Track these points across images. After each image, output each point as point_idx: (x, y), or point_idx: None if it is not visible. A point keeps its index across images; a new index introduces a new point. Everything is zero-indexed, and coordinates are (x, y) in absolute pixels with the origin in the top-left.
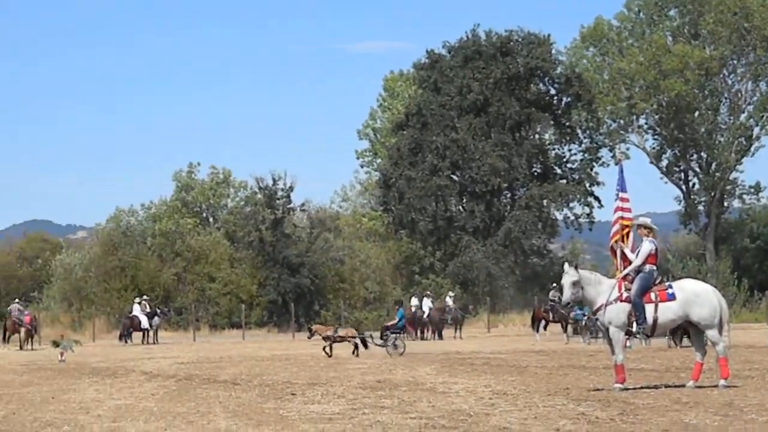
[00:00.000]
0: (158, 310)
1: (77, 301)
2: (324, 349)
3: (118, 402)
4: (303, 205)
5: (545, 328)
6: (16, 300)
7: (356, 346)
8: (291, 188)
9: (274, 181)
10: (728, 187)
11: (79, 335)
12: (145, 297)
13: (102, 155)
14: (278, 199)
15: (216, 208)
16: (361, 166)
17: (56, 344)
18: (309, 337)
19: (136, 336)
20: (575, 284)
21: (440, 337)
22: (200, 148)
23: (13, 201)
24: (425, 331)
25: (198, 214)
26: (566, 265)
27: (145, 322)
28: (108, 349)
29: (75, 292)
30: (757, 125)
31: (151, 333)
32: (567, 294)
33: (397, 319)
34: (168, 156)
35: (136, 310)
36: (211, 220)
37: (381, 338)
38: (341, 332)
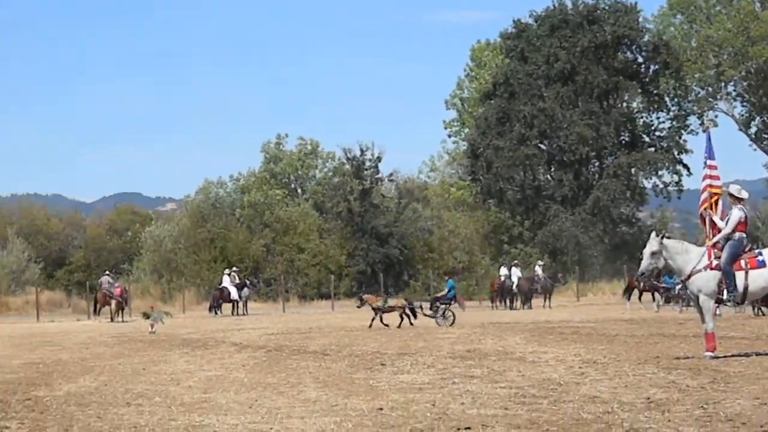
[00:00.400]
0: (247, 282)
1: (167, 273)
2: (372, 320)
3: (208, 373)
4: (391, 175)
5: (639, 297)
6: (107, 272)
7: (403, 317)
8: (379, 159)
9: (362, 151)
10: None
11: (169, 307)
12: (234, 268)
13: (190, 128)
14: (366, 169)
15: (304, 179)
16: (449, 136)
17: (146, 316)
18: (359, 306)
19: (226, 307)
20: (654, 255)
21: (529, 306)
22: (288, 119)
23: (103, 174)
24: (514, 300)
25: (286, 186)
26: (652, 235)
27: (234, 293)
28: (198, 320)
29: (164, 263)
30: None
31: (240, 304)
32: (644, 264)
33: (446, 290)
34: (256, 127)
35: (226, 282)
36: (299, 191)
37: (431, 309)
38: (391, 302)
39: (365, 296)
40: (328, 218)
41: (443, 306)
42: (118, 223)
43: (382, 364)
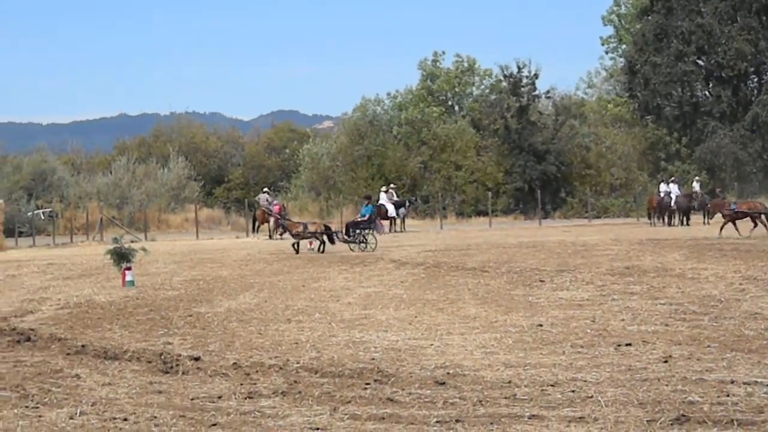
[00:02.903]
0: (406, 203)
1: (324, 190)
2: (293, 245)
3: (367, 290)
4: (548, 92)
5: None
6: (265, 190)
7: (322, 242)
8: (536, 75)
9: (519, 68)
10: None
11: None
12: (392, 186)
13: (348, 45)
14: (523, 86)
15: (461, 97)
16: (606, 53)
17: None
18: (281, 234)
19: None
20: None
21: (687, 223)
22: (445, 36)
23: (261, 92)
24: (672, 217)
25: (443, 103)
26: None
27: (392, 210)
28: None
29: (322, 181)
30: None
31: (398, 221)
32: None
33: (365, 215)
34: (413, 45)
35: (383, 199)
36: (456, 108)
37: (347, 234)
38: (311, 228)
39: (286, 222)
40: (485, 135)
41: (359, 231)
42: (275, 141)
43: (541, 281)
